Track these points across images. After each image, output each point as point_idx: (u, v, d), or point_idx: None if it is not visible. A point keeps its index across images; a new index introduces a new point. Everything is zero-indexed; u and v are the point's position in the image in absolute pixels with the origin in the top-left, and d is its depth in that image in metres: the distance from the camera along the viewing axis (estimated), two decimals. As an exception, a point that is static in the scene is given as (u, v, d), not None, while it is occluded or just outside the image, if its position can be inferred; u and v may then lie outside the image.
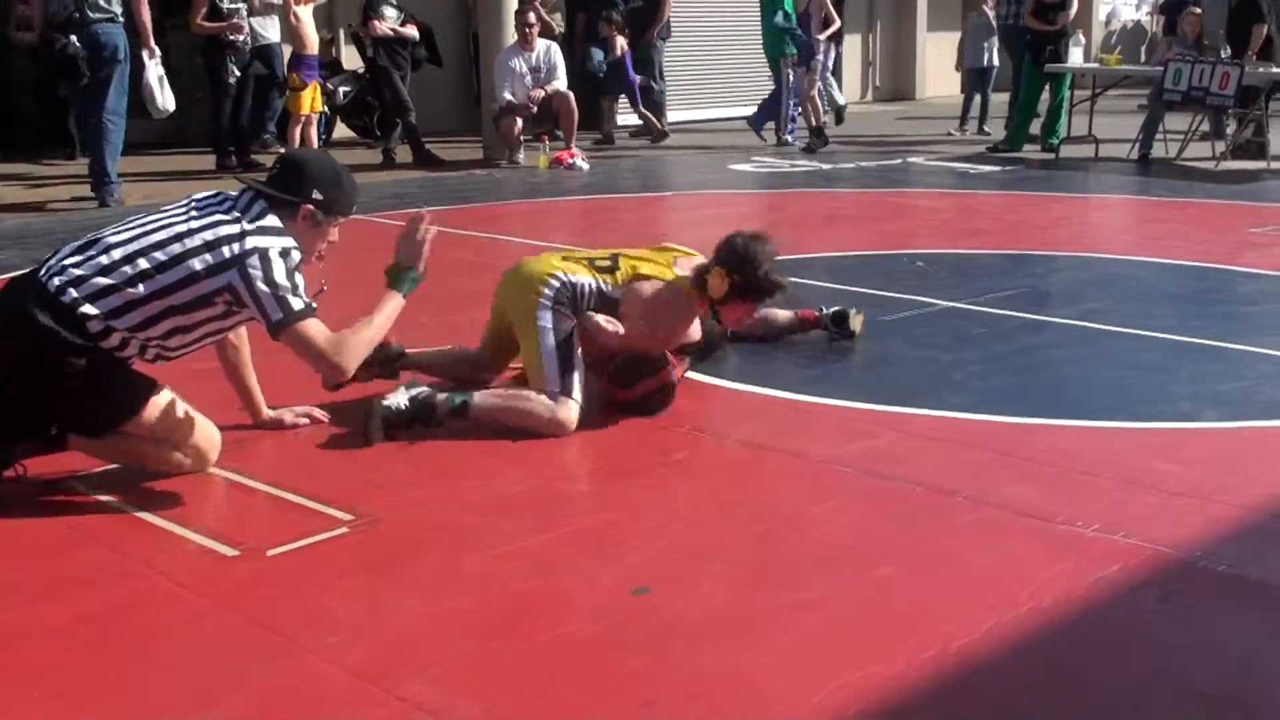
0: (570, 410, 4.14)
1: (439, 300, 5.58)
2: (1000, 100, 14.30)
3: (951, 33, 16.50)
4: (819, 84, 12.96)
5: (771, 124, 13.21)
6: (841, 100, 14.84)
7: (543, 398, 4.14)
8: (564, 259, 4.37)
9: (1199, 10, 12.36)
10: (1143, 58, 20.01)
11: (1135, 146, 11.83)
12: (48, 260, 3.61)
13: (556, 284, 4.24)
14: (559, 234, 8.38)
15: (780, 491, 3.71)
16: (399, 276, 3.83)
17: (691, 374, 4.76)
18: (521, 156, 11.69)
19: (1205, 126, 12.22)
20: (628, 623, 2.85)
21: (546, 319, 4.20)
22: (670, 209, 9.77)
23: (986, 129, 14.08)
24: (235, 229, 3.56)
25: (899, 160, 12.05)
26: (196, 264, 3.52)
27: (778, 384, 4.71)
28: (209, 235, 3.55)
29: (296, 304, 3.54)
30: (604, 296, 4.28)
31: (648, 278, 4.34)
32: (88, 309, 3.48)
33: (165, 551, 3.30)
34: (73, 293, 3.48)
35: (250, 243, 3.54)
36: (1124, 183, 10.74)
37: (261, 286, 3.52)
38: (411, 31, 11.71)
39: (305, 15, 10.81)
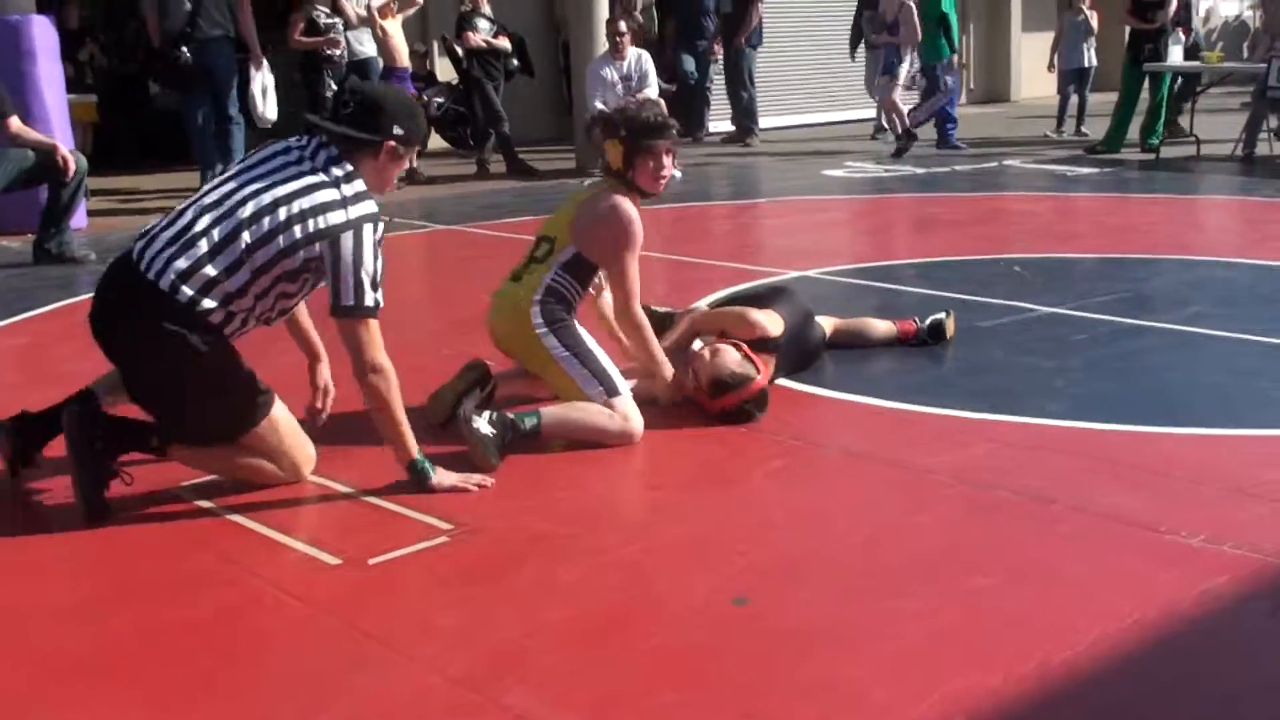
0: (629, 408, 4.15)
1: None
2: (1099, 100, 14.11)
3: (1046, 33, 16.22)
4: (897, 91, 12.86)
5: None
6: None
7: (601, 408, 4.14)
8: (516, 280, 4.34)
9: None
10: (1245, 54, 19.58)
11: (1238, 145, 11.59)
12: (144, 251, 3.60)
13: (538, 302, 4.24)
14: (653, 242, 8.33)
15: (879, 500, 3.69)
16: (422, 465, 3.75)
17: (789, 382, 4.75)
18: (614, 164, 11.71)
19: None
20: (727, 632, 2.85)
21: (553, 342, 4.21)
22: (764, 215, 9.75)
23: (1085, 130, 13.87)
24: (335, 195, 3.59)
25: (995, 163, 11.91)
26: (298, 232, 3.54)
27: (877, 392, 4.68)
28: (306, 203, 3.56)
29: (369, 299, 3.58)
30: (570, 266, 4.28)
31: (574, 207, 4.38)
32: (207, 303, 3.54)
33: (270, 559, 3.37)
34: (187, 290, 3.52)
35: (349, 214, 3.57)
36: (1227, 183, 10.52)
37: (348, 263, 3.56)
38: (504, 43, 11.82)
39: (393, 28, 10.95)
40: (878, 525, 3.48)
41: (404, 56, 11.19)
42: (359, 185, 3.64)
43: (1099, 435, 4.14)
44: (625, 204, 4.30)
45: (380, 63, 11.12)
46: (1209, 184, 10.57)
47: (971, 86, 19.61)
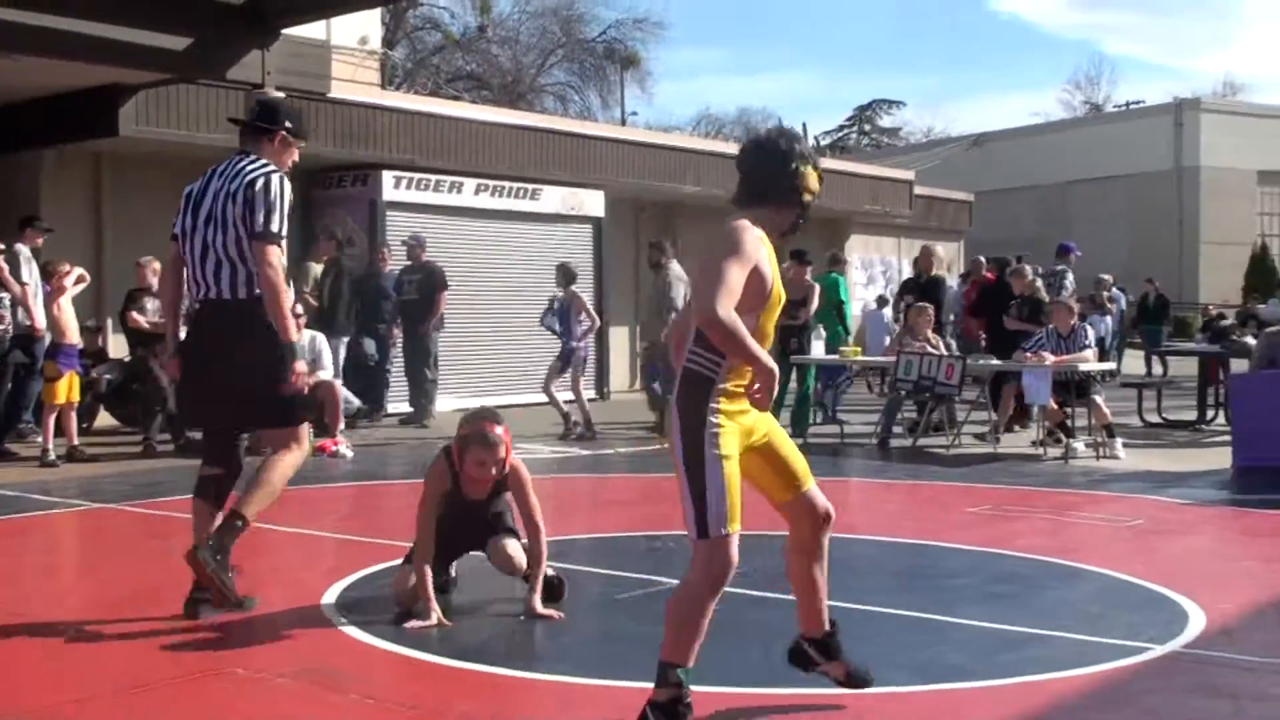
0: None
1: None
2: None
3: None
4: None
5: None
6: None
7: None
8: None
9: (928, 305, 13.44)
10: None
11: (876, 431, 12.59)
12: (200, 288, 5.41)
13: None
14: (319, 520, 8.48)
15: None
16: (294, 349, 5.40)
17: (414, 651, 4.89)
18: (287, 444, 11.77)
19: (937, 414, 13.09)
20: None
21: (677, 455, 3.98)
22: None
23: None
24: (252, 166, 5.40)
25: (657, 446, 12.54)
26: (241, 198, 5.31)
27: (498, 661, 4.86)
28: (236, 184, 5.35)
29: (275, 226, 5.28)
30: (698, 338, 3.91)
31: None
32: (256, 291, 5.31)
33: None
34: (243, 291, 5.33)
35: (261, 170, 5.37)
36: (864, 466, 11.38)
37: (261, 197, 5.27)
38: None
39: (66, 304, 10.91)
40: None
41: (73, 332, 11.08)
42: (265, 160, 5.46)
43: (706, 697, 4.38)
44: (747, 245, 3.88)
45: (49, 337, 10.98)
46: (848, 468, 11.40)
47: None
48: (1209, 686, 4.57)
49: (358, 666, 4.80)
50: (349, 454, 11.47)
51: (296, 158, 5.67)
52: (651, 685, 4.52)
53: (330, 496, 9.65)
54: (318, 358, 11.85)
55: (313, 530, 8.00)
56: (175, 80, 12.71)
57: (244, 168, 5.39)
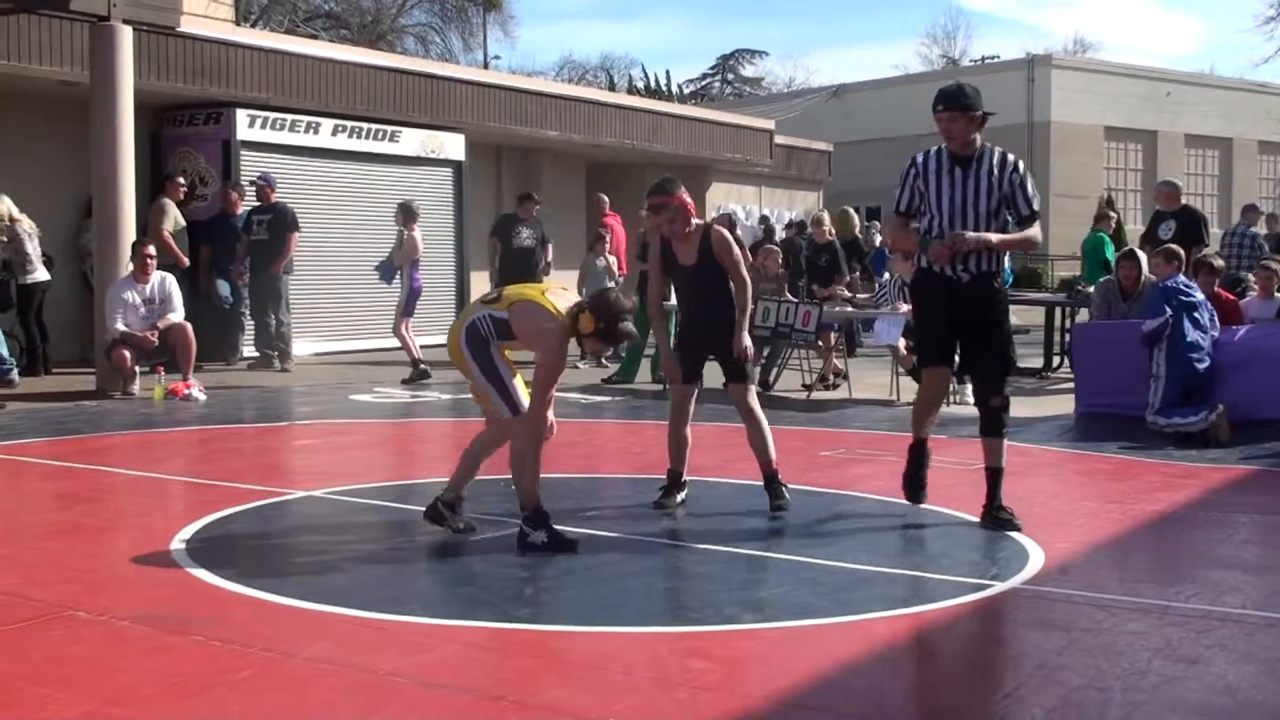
0: (530, 412, 5.74)
1: (32, 531, 5.47)
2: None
3: (574, 271, 17.29)
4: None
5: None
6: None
7: (511, 424, 5.79)
8: (464, 315, 5.85)
9: (775, 248, 13.55)
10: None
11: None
12: None
13: (466, 330, 5.75)
14: (169, 463, 8.32)
15: (336, 705, 3.82)
16: None
17: (263, 594, 4.84)
18: (136, 388, 11.51)
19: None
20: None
21: (470, 357, 5.76)
22: (286, 438, 9.81)
23: (604, 361, 14.82)
24: None
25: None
26: None
27: (352, 602, 4.84)
28: None
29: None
30: (496, 320, 5.72)
31: (528, 299, 5.77)
32: None
33: None
34: None
35: None
36: (719, 411, 11.48)
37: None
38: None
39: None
40: (331, 727, 3.62)
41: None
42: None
43: (554, 636, 4.48)
44: (556, 341, 5.73)
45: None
46: (705, 412, 11.47)
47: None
48: (1046, 620, 4.74)
49: (206, 610, 4.73)
50: (201, 397, 11.24)
51: (963, 126, 6.34)
52: (501, 624, 4.58)
53: (182, 440, 9.46)
54: (168, 300, 11.58)
55: (163, 474, 7.84)
56: (14, 10, 12.22)
57: None
